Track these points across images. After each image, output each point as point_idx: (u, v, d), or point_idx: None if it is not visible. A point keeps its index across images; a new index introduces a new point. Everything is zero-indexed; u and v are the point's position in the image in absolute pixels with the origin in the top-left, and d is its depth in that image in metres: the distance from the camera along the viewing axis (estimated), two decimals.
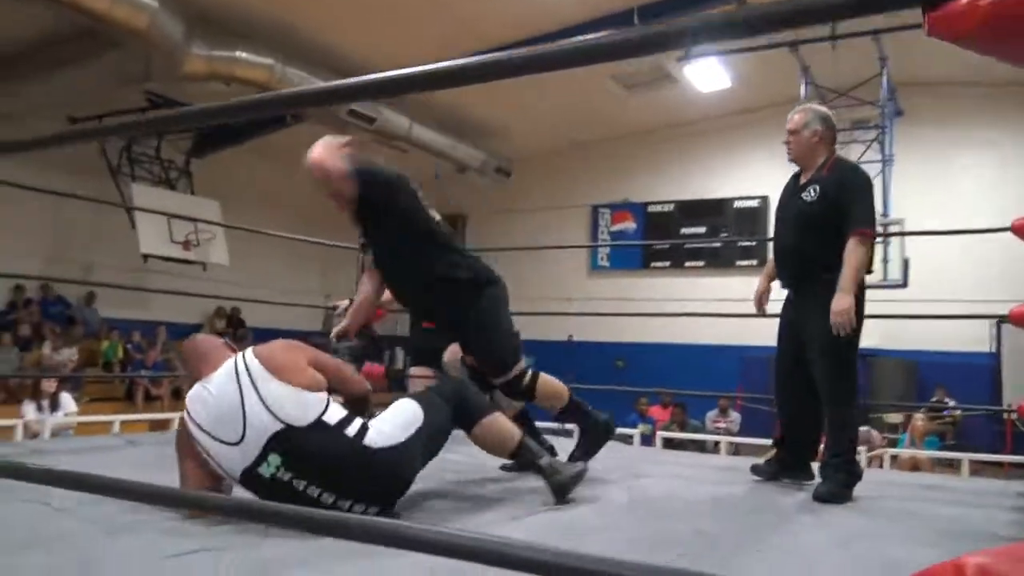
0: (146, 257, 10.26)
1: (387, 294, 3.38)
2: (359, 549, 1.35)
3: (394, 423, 2.37)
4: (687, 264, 13.50)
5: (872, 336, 10.83)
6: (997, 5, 0.78)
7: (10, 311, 10.54)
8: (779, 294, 3.43)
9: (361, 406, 2.49)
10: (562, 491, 2.58)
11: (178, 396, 9.79)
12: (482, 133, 12.76)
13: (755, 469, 3.42)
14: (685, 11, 8.48)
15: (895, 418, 10.26)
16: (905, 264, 9.54)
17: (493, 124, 12.61)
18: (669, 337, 12.50)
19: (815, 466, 3.26)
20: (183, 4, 8.18)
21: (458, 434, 2.59)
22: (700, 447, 8.24)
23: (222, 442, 2.20)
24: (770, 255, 3.48)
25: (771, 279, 3.49)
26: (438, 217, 3.13)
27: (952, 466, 7.44)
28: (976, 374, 10.44)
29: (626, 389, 10.21)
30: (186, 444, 2.30)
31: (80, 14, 7.53)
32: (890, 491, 3.31)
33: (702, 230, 13.30)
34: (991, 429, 10.41)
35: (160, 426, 7.46)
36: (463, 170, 13.00)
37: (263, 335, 8.73)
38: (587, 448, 3.24)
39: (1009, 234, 3.50)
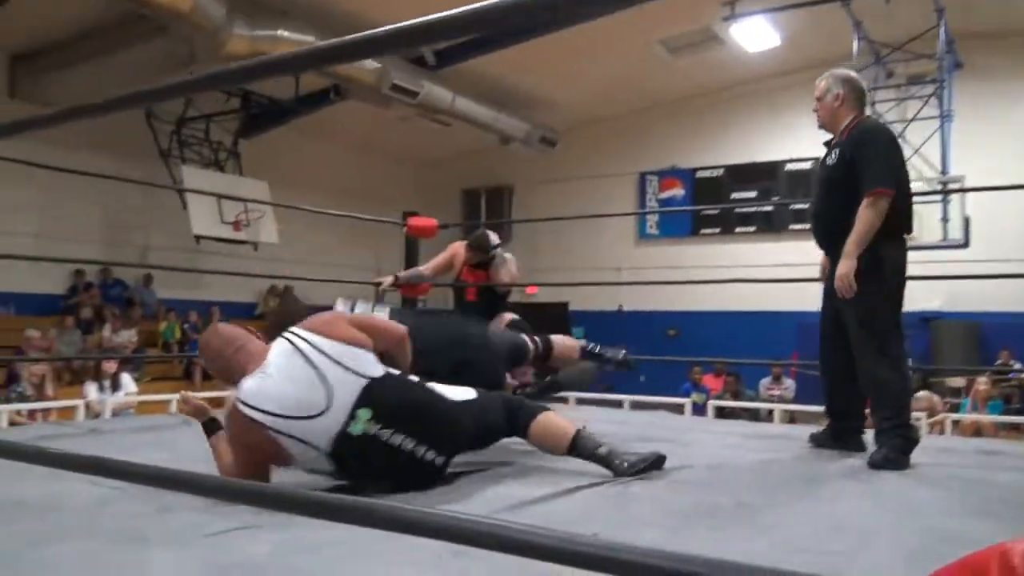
0: (199, 238, 10.46)
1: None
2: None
3: (454, 391, 2.52)
4: (738, 230, 13.23)
5: (933, 298, 10.51)
6: None
7: (72, 295, 10.86)
8: None
9: (402, 354, 2.63)
10: (630, 474, 2.51)
11: None
12: (526, 104, 12.64)
13: (813, 438, 3.41)
14: None
15: (957, 382, 9.97)
16: (966, 223, 9.18)
17: (537, 94, 12.48)
18: (721, 305, 12.33)
19: (870, 434, 3.18)
20: None
21: None
22: (754, 416, 8.12)
23: (306, 418, 2.21)
24: None
25: None
26: None
27: (1018, 430, 7.22)
28: None
29: (676, 359, 10.12)
30: (241, 435, 2.28)
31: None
32: (949, 458, 3.22)
33: (753, 194, 12.97)
34: None
35: (217, 404, 7.61)
36: (507, 141, 12.91)
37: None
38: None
39: None
